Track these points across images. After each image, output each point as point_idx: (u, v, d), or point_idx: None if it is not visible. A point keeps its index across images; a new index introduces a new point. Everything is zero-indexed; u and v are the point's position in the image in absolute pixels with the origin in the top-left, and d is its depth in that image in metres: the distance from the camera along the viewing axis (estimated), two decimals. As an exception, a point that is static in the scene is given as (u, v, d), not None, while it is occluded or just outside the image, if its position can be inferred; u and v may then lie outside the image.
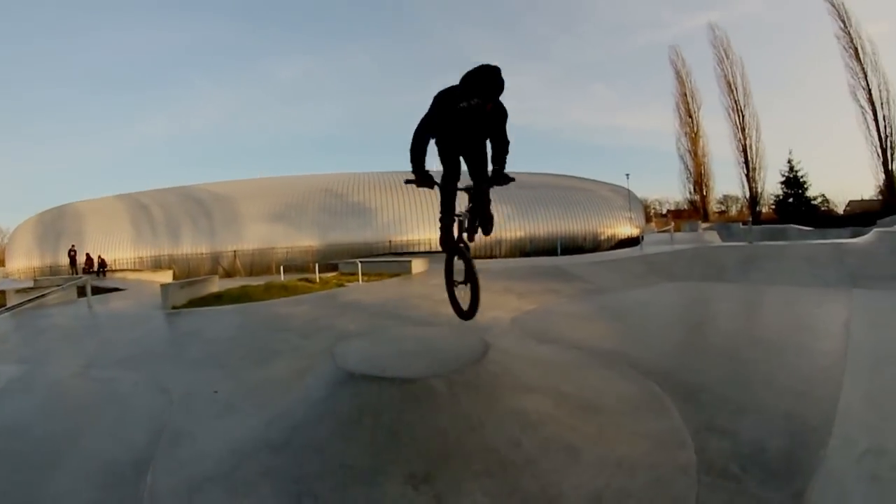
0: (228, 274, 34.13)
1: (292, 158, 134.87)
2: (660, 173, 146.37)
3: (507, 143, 5.20)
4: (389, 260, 19.75)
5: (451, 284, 6.15)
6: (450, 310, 6.42)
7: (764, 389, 5.46)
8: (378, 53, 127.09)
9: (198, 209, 41.27)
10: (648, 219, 51.95)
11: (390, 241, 37.53)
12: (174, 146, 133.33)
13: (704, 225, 40.91)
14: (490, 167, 5.32)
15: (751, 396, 5.29)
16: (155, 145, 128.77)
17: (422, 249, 34.72)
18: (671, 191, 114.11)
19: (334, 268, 21.33)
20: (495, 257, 34.23)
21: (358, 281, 16.36)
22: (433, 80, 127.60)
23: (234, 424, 5.09)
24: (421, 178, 5.08)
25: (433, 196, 18.83)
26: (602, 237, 40.48)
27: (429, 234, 37.98)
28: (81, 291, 16.44)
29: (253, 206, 40.65)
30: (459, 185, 5.47)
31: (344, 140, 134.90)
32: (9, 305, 13.55)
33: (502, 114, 5.01)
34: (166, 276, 26.15)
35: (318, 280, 17.29)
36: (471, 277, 5.55)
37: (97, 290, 18.43)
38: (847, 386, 5.42)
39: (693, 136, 58.65)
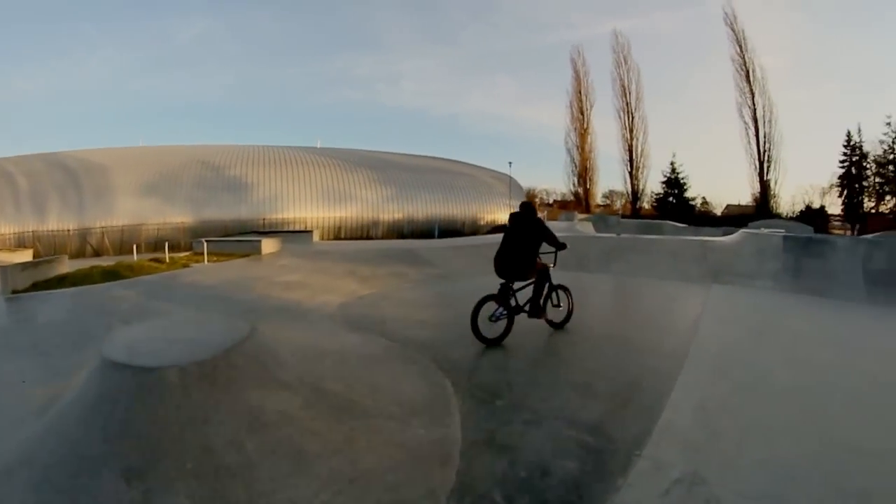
0: (97, 253, 31.65)
1: (180, 126, 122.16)
2: (550, 165, 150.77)
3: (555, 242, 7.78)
4: (240, 239, 18.88)
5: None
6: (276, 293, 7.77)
7: (577, 395, 4.98)
8: (283, 21, 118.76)
9: (67, 180, 37.01)
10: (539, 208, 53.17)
11: (264, 220, 35.91)
12: (55, 105, 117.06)
13: (581, 216, 42.83)
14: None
15: (556, 403, 4.79)
16: (32, 103, 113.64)
17: (295, 229, 33.90)
18: (559, 183, 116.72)
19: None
20: (372, 238, 33.72)
21: (203, 262, 15.42)
22: (337, 56, 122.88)
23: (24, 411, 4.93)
24: None
25: (311, 175, 29.18)
26: (482, 222, 40.57)
27: (304, 212, 37.03)
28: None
29: (126, 177, 37.06)
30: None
31: (236, 109, 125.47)
32: None
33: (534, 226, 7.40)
34: (26, 256, 23.62)
35: (167, 260, 16.42)
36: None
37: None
38: (676, 395, 4.99)
39: (582, 132, 61.76)
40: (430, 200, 39.93)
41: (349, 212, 37.50)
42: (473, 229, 38.95)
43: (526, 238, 7.16)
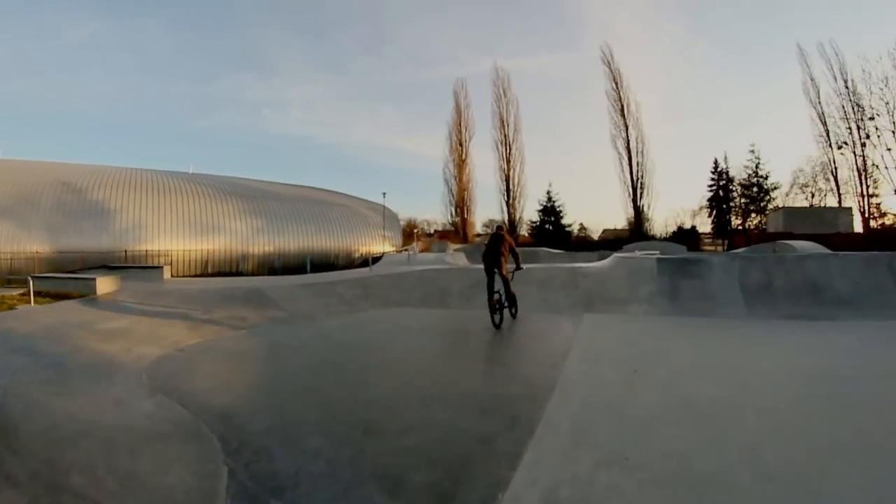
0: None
1: (44, 137, 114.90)
2: (431, 196, 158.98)
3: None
4: (75, 277, 17.13)
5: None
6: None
7: (382, 495, 3.87)
8: (175, 32, 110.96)
9: None
10: (417, 238, 53.41)
11: (126, 251, 33.29)
12: None
13: (455, 246, 43.64)
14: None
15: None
16: None
17: (158, 262, 31.63)
18: (439, 213, 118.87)
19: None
20: (242, 274, 32.22)
21: (29, 303, 13.66)
22: (225, 76, 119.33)
23: None
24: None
25: (178, 203, 32.17)
26: (356, 254, 40.04)
27: (169, 244, 34.81)
28: None
29: None
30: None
31: (110, 124, 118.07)
32: None
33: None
34: None
35: None
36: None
37: None
38: (516, 485, 3.80)
39: (460, 162, 63.72)
40: (302, 232, 39.13)
41: (217, 244, 35.93)
42: (348, 262, 38.32)
43: (499, 248, 11.36)
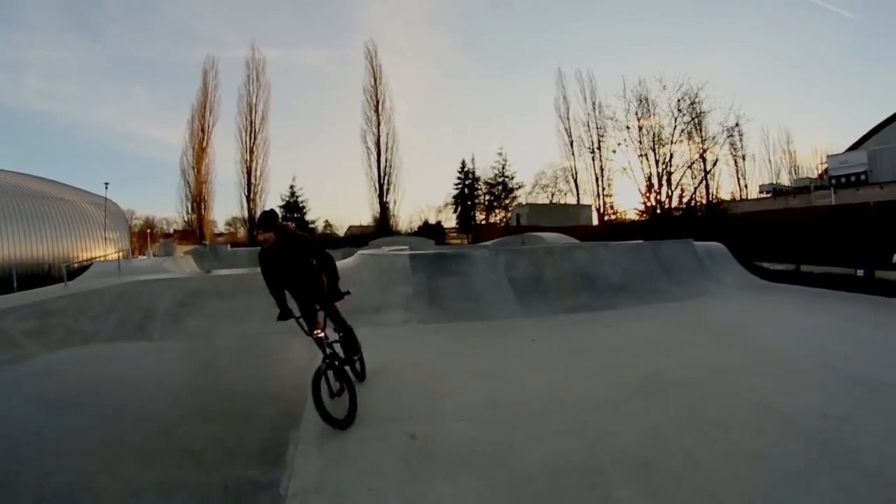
0: None
1: None
2: (171, 191, 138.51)
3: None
4: None
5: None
6: None
7: None
8: None
9: None
10: (154, 239, 47.14)
11: None
12: None
13: (186, 248, 36.41)
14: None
15: None
16: None
17: None
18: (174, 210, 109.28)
19: None
20: None
21: None
22: None
23: None
24: (282, 313, 5.56)
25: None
26: (76, 263, 31.08)
27: None
28: None
29: None
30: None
31: None
32: None
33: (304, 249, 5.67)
34: None
35: None
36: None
37: None
38: None
39: (200, 151, 56.14)
40: (8, 235, 31.39)
41: None
42: (69, 273, 30.59)
43: (304, 263, 5.82)
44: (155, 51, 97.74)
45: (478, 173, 64.64)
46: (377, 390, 5.99)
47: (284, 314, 5.43)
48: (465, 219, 64.42)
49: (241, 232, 60.72)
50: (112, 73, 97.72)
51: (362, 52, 62.41)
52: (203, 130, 56.71)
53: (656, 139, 34.65)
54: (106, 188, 32.63)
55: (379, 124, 58.36)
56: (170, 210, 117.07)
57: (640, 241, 16.06)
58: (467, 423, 4.79)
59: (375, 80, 58.85)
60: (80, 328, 10.31)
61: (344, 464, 4.07)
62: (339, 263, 13.49)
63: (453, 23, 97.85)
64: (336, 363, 5.26)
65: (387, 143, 58.36)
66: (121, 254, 28.60)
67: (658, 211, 32.93)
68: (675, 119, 33.26)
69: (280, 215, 5.53)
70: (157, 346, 9.52)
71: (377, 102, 58.54)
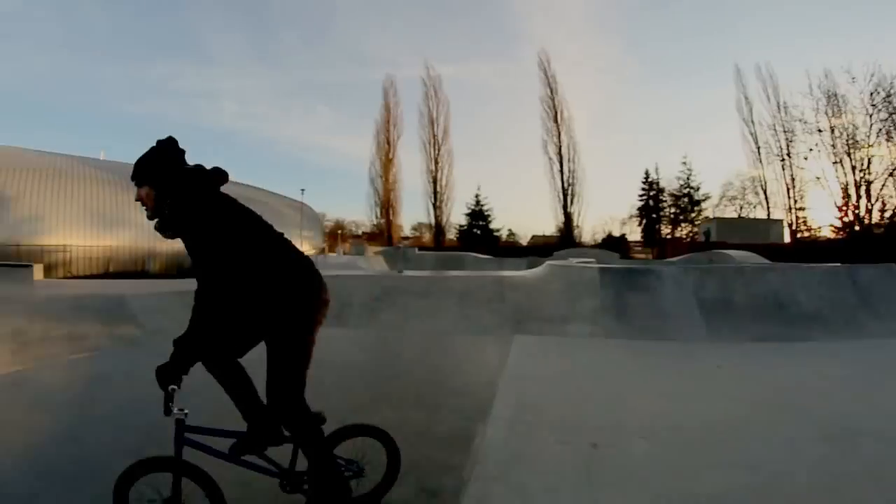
0: None
1: None
2: (360, 198, 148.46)
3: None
4: None
5: None
6: None
7: None
8: (113, 10, 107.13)
9: None
10: (343, 239, 51.39)
11: (19, 246, 29.27)
12: None
13: (375, 249, 40.73)
14: None
15: None
16: None
17: (55, 260, 28.99)
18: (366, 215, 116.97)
19: None
20: (147, 274, 29.13)
21: None
22: (158, 59, 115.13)
23: None
24: None
25: (80, 192, 28.71)
26: None
27: (68, 238, 31.35)
28: None
29: None
30: None
31: (35, 104, 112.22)
32: None
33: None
34: None
35: None
36: None
37: None
38: None
39: (387, 162, 61.59)
40: None
41: (122, 240, 32.74)
42: None
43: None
44: (334, 74, 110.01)
45: (662, 184, 62.39)
46: (560, 398, 6.05)
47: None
48: (649, 232, 62.36)
49: (427, 236, 65.23)
50: (298, 94, 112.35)
51: (534, 63, 64.61)
52: (388, 143, 61.93)
53: (850, 141, 31.14)
54: (302, 193, 36.33)
55: (559, 134, 59.35)
56: (358, 214, 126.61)
57: (836, 265, 14.35)
58: (647, 440, 4.66)
59: (551, 91, 60.17)
60: None
61: (525, 460, 4.13)
62: (526, 273, 13.80)
63: (618, 26, 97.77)
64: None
65: (568, 154, 59.25)
66: (317, 251, 31.14)
67: (857, 228, 29.36)
68: (870, 116, 29.68)
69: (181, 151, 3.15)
70: (352, 333, 10.44)
71: (555, 113, 59.63)
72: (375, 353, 9.33)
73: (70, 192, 32.92)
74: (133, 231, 32.75)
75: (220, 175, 3.18)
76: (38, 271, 19.88)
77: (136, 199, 3.10)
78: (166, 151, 3.08)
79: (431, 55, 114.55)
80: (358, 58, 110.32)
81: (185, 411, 2.81)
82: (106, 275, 29.61)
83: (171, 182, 2.96)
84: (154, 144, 3.07)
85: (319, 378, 6.83)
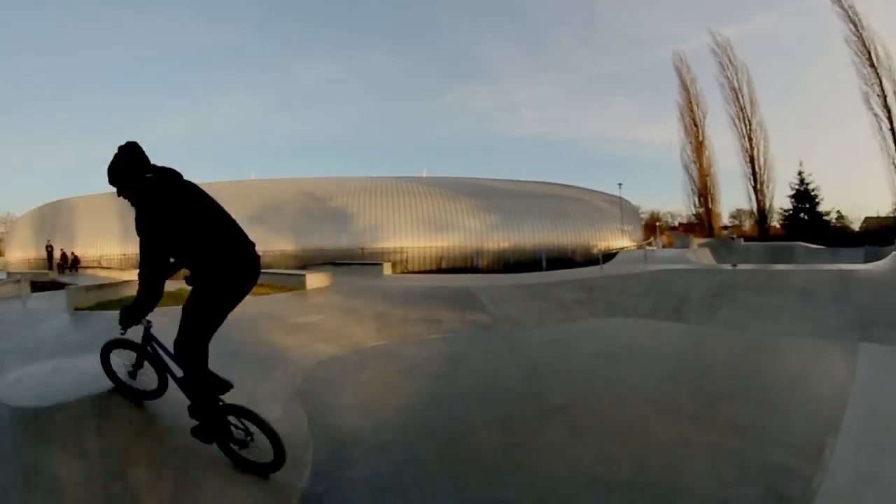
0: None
1: (295, 160, 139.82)
2: (672, 187, 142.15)
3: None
4: (287, 273, 17.84)
5: None
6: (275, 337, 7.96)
7: None
8: (398, 61, 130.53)
9: None
10: (660, 231, 48.21)
11: (363, 249, 35.76)
12: (192, 145, 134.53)
13: (699, 240, 37.05)
14: None
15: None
16: (173, 144, 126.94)
17: (395, 259, 33.42)
18: (682, 205, 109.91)
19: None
20: (476, 270, 32.15)
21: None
22: (451, 90, 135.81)
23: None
24: None
25: (412, 204, 31.17)
26: (594, 251, 35.59)
27: (403, 241, 36.78)
28: (39, 286, 18.25)
29: (232, 207, 38.38)
30: None
31: (352, 144, 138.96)
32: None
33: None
34: (133, 275, 23.96)
35: None
36: None
37: (60, 286, 19.52)
38: None
39: (698, 145, 54.68)
40: (536, 228, 37.79)
41: (451, 241, 36.64)
42: (586, 258, 35.26)
43: None
44: (619, 63, 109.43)
45: None
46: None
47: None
48: None
49: (747, 224, 57.17)
50: (589, 91, 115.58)
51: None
52: (695, 124, 55.02)
53: None
54: (619, 188, 35.74)
55: (880, 81, 41.64)
56: (673, 204, 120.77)
57: None
58: None
59: (855, 26, 43.06)
60: (621, 304, 12.02)
61: (875, 483, 3.73)
62: (872, 267, 11.92)
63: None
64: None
65: (896, 104, 42.15)
66: (637, 245, 30.85)
67: None
68: None
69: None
70: (692, 328, 10.24)
71: (869, 54, 42.20)
72: (714, 350, 8.75)
73: (402, 204, 38.54)
74: (462, 233, 37.02)
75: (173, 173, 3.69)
76: (387, 268, 23.44)
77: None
78: (130, 155, 3.51)
79: (711, 20, 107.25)
80: (637, 41, 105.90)
81: (150, 321, 3.89)
82: (439, 270, 33.81)
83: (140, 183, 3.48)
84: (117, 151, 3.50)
85: (650, 364, 6.99)
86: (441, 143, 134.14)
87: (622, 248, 31.93)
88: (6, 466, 3.32)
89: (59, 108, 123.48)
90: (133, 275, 22.63)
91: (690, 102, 55.12)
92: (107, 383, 3.86)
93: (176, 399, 4.06)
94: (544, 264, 31.54)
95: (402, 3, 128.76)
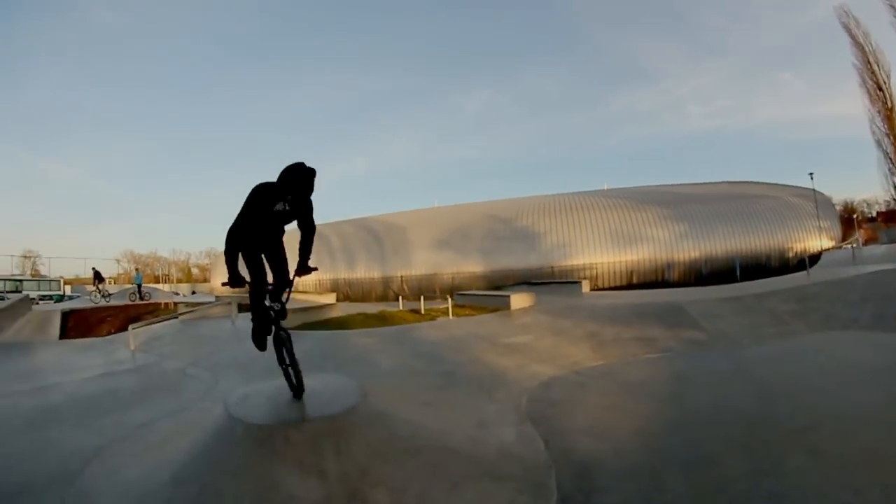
0: (398, 297, 34.28)
1: (471, 184, 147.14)
2: (863, 168, 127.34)
3: (313, 230, 5.06)
4: (490, 294, 18.64)
5: (282, 363, 5.40)
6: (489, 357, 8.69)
7: None
8: (553, 76, 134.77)
9: (371, 238, 45.15)
10: (858, 225, 42.63)
11: (553, 267, 36.13)
12: (371, 181, 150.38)
13: None
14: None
15: None
16: (354, 181, 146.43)
17: (583, 276, 33.17)
18: (879, 189, 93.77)
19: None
20: (667, 283, 31.40)
21: (448, 315, 15.38)
22: (612, 93, 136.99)
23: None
24: (234, 278, 4.93)
25: (598, 219, 32.78)
26: (790, 253, 33.66)
27: (592, 258, 36.54)
28: (245, 307, 20.31)
29: (421, 233, 43.19)
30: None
31: (523, 164, 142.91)
32: (178, 314, 17.69)
33: (308, 207, 4.96)
34: (330, 298, 26.28)
35: (422, 311, 16.71)
36: (292, 362, 5.16)
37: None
38: None
39: (888, 113, 42.22)
40: (727, 233, 35.51)
41: (640, 254, 35.90)
42: (782, 264, 32.83)
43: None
44: (773, 31, 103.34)
45: None
46: None
47: (240, 280, 4.92)
48: None
49: None
50: (754, 72, 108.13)
51: None
52: (880, 88, 42.83)
53: None
54: (811, 178, 33.05)
55: None
56: (869, 189, 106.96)
57: None
58: None
59: None
60: (838, 314, 11.07)
61: None
62: None
63: None
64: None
65: None
66: (836, 244, 28.55)
67: None
68: None
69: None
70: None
71: None
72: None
73: (587, 220, 38.36)
74: (650, 245, 35.91)
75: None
76: (585, 286, 23.58)
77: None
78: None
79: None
80: (791, 2, 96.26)
81: (276, 306, 5.08)
82: (630, 286, 32.99)
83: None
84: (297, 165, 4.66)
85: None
86: (611, 153, 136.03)
87: (825, 249, 29.46)
88: (237, 479, 3.75)
89: (252, 165, 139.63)
90: (331, 298, 24.85)
91: (869, 62, 43.29)
92: (342, 404, 4.49)
93: (411, 421, 4.65)
94: (738, 273, 30.03)
95: (546, 22, 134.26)
